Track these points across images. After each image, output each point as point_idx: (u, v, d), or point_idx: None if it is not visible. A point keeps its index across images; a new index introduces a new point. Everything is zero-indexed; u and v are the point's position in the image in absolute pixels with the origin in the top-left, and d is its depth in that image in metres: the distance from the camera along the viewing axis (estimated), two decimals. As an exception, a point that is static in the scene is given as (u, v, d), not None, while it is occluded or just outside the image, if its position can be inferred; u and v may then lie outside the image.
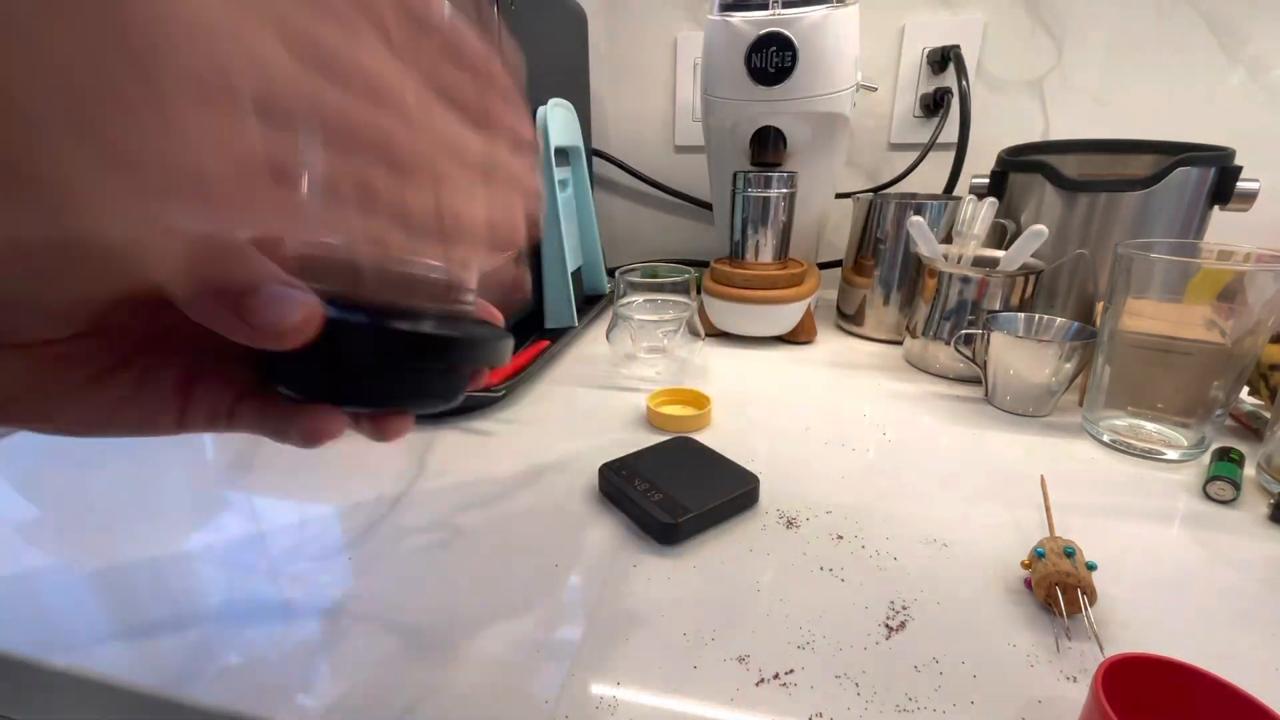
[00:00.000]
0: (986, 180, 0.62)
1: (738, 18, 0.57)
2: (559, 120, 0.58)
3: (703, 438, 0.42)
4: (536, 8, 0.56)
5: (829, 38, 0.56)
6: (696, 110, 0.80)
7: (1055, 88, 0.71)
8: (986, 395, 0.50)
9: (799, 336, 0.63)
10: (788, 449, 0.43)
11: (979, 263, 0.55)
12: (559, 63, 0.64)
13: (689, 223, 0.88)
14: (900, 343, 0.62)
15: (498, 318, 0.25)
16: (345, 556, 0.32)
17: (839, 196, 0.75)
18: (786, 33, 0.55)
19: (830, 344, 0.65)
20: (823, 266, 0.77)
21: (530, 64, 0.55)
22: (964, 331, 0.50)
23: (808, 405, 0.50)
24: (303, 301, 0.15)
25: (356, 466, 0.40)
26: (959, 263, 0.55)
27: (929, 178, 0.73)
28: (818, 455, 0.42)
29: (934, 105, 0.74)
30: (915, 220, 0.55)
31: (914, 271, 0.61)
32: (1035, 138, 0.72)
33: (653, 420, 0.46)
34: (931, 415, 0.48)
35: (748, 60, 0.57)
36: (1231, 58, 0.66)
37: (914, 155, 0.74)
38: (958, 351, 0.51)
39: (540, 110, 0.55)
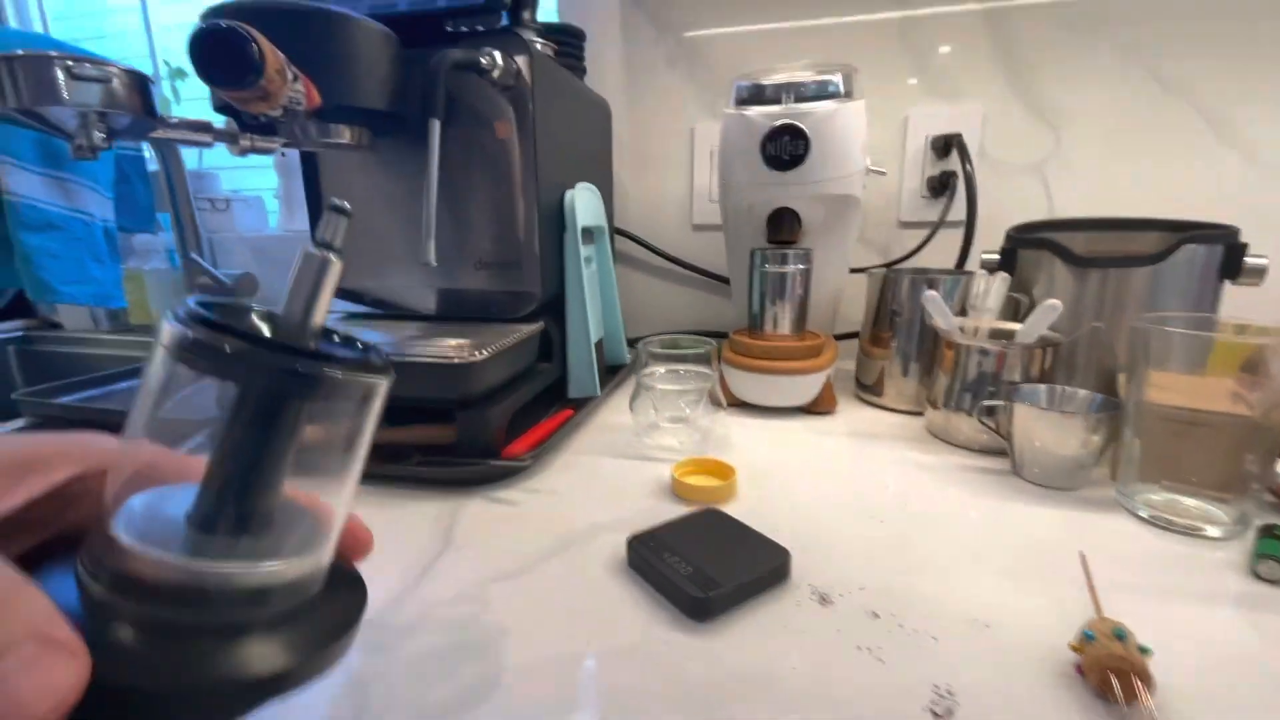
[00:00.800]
0: (997, 255, 0.64)
1: (753, 111, 0.62)
2: (584, 202, 0.61)
3: (729, 509, 0.41)
4: (564, 101, 0.61)
5: (839, 128, 0.60)
6: (713, 192, 0.84)
7: (1056, 170, 0.75)
8: (1014, 468, 0.50)
9: (819, 407, 0.64)
10: (815, 521, 0.42)
11: (995, 335, 0.56)
12: (585, 149, 0.69)
13: (706, 296, 0.91)
14: (921, 413, 0.62)
15: (364, 546, 0.22)
16: (369, 630, 0.32)
17: (853, 271, 0.77)
18: (800, 124, 0.59)
19: (851, 414, 0.65)
20: (839, 338, 0.78)
21: (559, 150, 0.59)
22: (986, 403, 0.51)
23: (832, 476, 0.49)
24: (60, 675, 0.11)
25: (382, 538, 0.40)
26: (975, 335, 0.56)
27: (940, 253, 0.76)
28: (846, 528, 0.41)
29: (940, 187, 0.77)
30: (930, 295, 0.57)
31: (930, 343, 0.62)
32: (1041, 214, 0.74)
33: (678, 491, 0.46)
34: (959, 487, 0.47)
35: (763, 148, 0.61)
36: (1226, 144, 0.69)
37: (924, 232, 0.77)
38: (981, 423, 0.51)
39: (568, 193, 0.59)
